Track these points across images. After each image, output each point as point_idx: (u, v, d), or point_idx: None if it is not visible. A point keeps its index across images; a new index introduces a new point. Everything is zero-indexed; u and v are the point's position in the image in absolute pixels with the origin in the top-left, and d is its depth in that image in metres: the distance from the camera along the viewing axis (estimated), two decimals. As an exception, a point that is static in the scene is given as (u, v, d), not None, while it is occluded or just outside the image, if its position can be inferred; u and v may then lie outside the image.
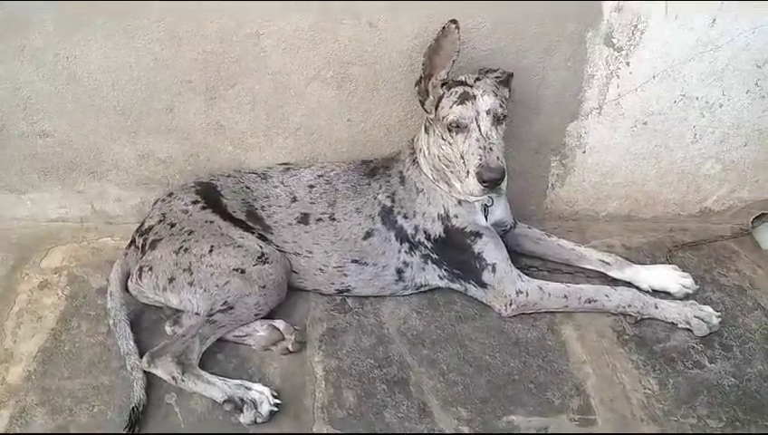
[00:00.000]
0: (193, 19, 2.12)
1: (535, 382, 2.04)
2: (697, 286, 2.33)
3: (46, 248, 2.53)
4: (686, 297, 2.29)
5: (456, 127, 2.00)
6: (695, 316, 2.17)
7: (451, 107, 2.01)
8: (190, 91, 2.27)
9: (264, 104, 2.31)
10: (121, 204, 2.57)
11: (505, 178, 1.98)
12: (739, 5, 2.10)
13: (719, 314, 2.20)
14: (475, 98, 2.00)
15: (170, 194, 2.29)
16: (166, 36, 2.14)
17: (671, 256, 2.51)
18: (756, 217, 2.61)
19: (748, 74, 2.25)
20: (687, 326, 2.18)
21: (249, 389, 1.94)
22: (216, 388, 1.94)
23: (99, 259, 2.47)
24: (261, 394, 1.92)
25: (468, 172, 1.99)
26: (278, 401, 1.93)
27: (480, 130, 1.99)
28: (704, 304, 2.24)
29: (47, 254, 2.51)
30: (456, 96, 2.01)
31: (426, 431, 1.90)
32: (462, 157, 2.01)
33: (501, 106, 2.02)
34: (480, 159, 1.96)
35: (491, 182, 1.95)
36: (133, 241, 2.23)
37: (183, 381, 1.94)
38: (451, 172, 2.11)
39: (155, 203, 2.31)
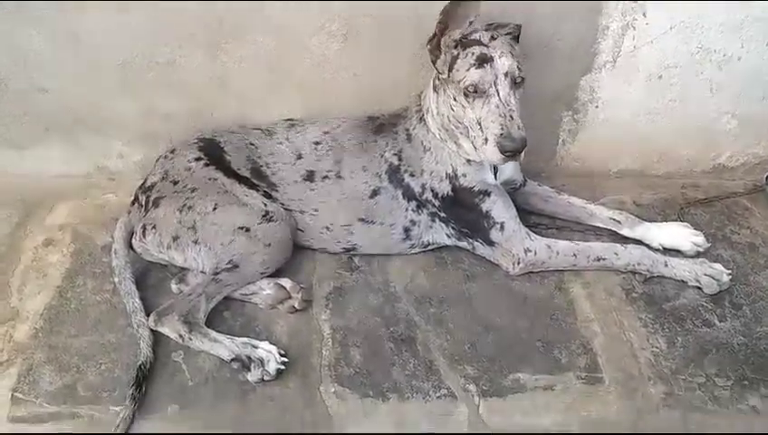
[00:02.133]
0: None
1: (543, 341, 2.04)
2: (709, 244, 2.30)
3: (50, 205, 2.49)
4: (698, 255, 2.26)
5: (474, 91, 1.93)
6: (705, 274, 2.15)
7: (468, 69, 1.92)
8: (192, 45, 2.20)
9: (268, 58, 2.25)
10: (125, 160, 2.53)
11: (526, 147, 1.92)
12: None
13: (730, 271, 2.17)
14: (493, 60, 1.92)
15: (173, 151, 2.25)
16: (166, -13, 2.08)
17: (683, 213, 2.47)
18: (771, 172, 2.57)
19: (768, 25, 2.17)
20: (697, 284, 2.16)
21: (256, 347, 1.94)
22: (224, 346, 1.94)
23: (103, 216, 2.44)
24: (268, 353, 1.92)
25: (486, 139, 1.93)
26: (285, 360, 1.93)
27: (499, 95, 1.92)
28: (715, 261, 2.21)
29: (51, 211, 2.47)
30: (474, 58, 1.92)
31: (432, 389, 1.90)
32: (479, 123, 1.94)
33: (519, 68, 1.94)
34: (501, 129, 1.89)
35: (513, 152, 1.90)
36: (136, 198, 2.20)
37: (190, 339, 1.94)
38: (461, 134, 2.06)
39: (157, 160, 2.27)
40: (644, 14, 2.14)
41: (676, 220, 2.40)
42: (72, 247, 2.33)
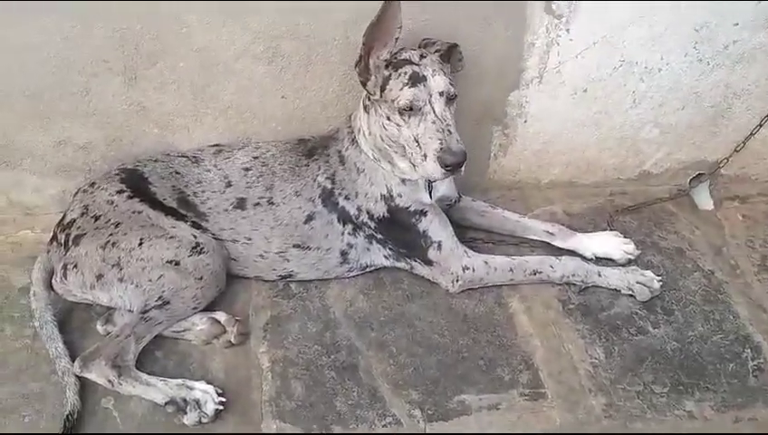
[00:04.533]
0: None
1: (485, 359, 2.04)
2: (639, 251, 2.35)
3: (-40, 245, 2.34)
4: (629, 263, 2.31)
5: (410, 109, 1.91)
6: (637, 282, 2.20)
7: (402, 89, 1.90)
8: (107, 72, 2.09)
9: (190, 83, 2.16)
10: (40, 194, 2.38)
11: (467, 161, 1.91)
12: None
13: (660, 278, 2.23)
14: (426, 79, 1.91)
15: (93, 184, 2.13)
16: (75, 13, 1.95)
17: (612, 221, 2.51)
18: (693, 177, 2.65)
19: (686, 38, 2.23)
20: (630, 292, 2.20)
21: (191, 388, 1.86)
22: (157, 389, 1.85)
23: (19, 254, 2.30)
24: (204, 393, 1.85)
25: (426, 156, 1.90)
26: (223, 399, 1.86)
27: (435, 112, 1.91)
28: (645, 268, 2.27)
29: (-39, 251, 2.32)
30: (406, 77, 1.91)
31: (377, 417, 1.87)
32: (416, 140, 1.92)
33: (452, 85, 1.94)
34: (441, 144, 1.87)
35: (454, 166, 1.88)
36: (55, 236, 2.07)
37: (120, 384, 1.85)
38: (395, 153, 2.03)
39: (76, 194, 2.15)
40: (567, 31, 2.16)
41: (606, 229, 2.44)
42: (-15, 291, 2.18)
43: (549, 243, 2.38)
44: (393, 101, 1.92)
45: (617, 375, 2.00)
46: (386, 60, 1.95)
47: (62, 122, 2.20)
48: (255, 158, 2.19)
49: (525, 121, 2.41)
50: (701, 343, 2.09)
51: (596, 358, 2.05)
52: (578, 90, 2.33)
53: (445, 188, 2.27)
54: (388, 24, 1.88)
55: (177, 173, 2.17)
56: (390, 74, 1.94)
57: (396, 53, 1.96)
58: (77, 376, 1.87)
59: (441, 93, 1.92)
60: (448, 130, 1.90)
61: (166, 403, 1.83)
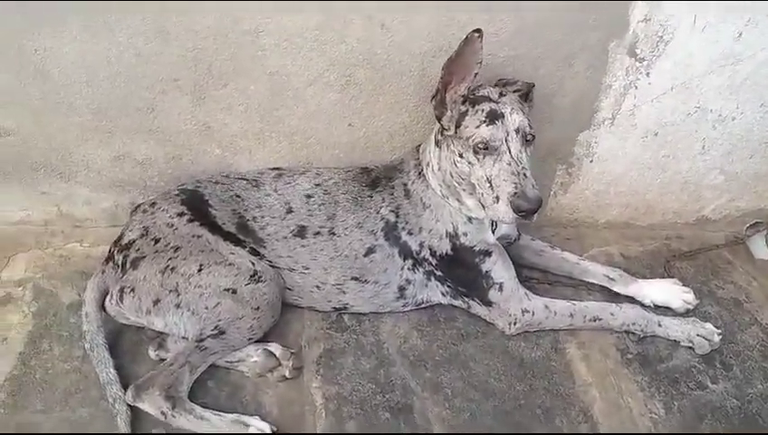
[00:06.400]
0: (183, 13, 1.87)
1: (542, 408, 1.98)
2: (698, 301, 2.29)
3: (7, 256, 2.27)
4: (687, 313, 2.26)
5: (485, 148, 1.84)
6: (697, 334, 2.14)
7: (478, 127, 1.84)
8: (176, 90, 2.03)
9: (259, 106, 2.10)
10: (91, 207, 2.33)
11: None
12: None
13: (720, 331, 2.17)
14: (503, 116, 1.83)
15: (153, 204, 2.07)
16: (152, 30, 1.89)
17: (669, 266, 2.46)
18: (750, 225, 2.59)
19: (765, 89, 2.18)
20: (690, 344, 2.14)
21: (248, 425, 1.80)
22: (211, 425, 1.79)
23: (67, 269, 2.24)
24: (261, 431, 1.79)
25: (498, 198, 1.82)
26: (279, 438, 1.81)
27: (510, 152, 1.83)
28: (702, 318, 2.21)
29: (8, 263, 2.25)
30: (484, 115, 1.84)
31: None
32: (489, 181, 1.84)
33: (530, 126, 1.87)
34: (515, 187, 1.79)
35: (528, 212, 1.80)
36: (111, 256, 2.00)
37: (173, 416, 1.79)
38: (463, 190, 1.97)
39: (134, 212, 2.09)
40: (647, 75, 2.11)
41: (663, 275, 2.40)
42: (34, 306, 2.12)
43: (607, 287, 2.32)
44: (468, 138, 1.86)
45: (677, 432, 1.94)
46: (463, 95, 1.88)
47: (123, 138, 2.14)
48: (317, 185, 2.13)
49: (591, 161, 2.36)
50: (760, 402, 2.03)
51: (655, 413, 1.99)
52: (649, 133, 2.28)
53: (507, 226, 2.21)
54: (469, 58, 1.81)
55: (237, 196, 2.11)
56: (467, 110, 1.88)
57: (474, 90, 1.90)
58: (129, 405, 1.81)
59: (517, 131, 1.84)
60: (524, 174, 1.82)
61: (220, 440, 1.78)
